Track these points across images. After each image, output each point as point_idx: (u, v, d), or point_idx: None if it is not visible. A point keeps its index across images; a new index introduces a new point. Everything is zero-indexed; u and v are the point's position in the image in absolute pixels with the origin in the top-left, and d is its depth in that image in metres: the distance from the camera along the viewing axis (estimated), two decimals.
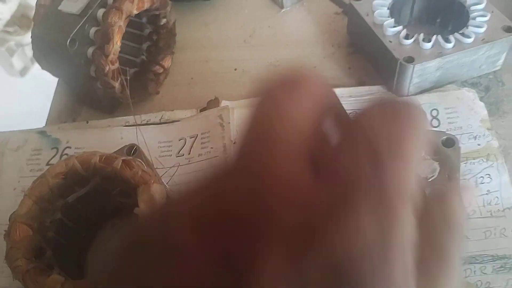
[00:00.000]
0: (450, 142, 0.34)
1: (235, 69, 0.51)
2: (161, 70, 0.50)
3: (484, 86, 0.46)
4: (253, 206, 0.14)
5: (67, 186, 0.35)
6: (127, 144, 0.40)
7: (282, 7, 0.55)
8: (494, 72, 0.46)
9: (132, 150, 0.39)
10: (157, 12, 0.47)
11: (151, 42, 0.50)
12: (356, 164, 0.14)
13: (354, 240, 0.13)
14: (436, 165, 0.33)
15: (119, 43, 0.41)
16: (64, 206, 0.35)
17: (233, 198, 0.14)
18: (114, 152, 0.38)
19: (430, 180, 0.32)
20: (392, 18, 0.44)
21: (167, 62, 0.50)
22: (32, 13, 1.25)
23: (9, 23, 1.14)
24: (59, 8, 0.42)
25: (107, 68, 0.42)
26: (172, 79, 0.51)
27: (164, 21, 0.49)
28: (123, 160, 0.33)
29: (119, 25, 0.41)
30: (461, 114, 0.42)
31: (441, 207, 0.18)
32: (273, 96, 0.17)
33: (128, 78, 0.47)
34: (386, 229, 0.13)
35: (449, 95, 0.43)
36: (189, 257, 0.14)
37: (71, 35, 0.40)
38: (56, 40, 0.41)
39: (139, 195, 0.32)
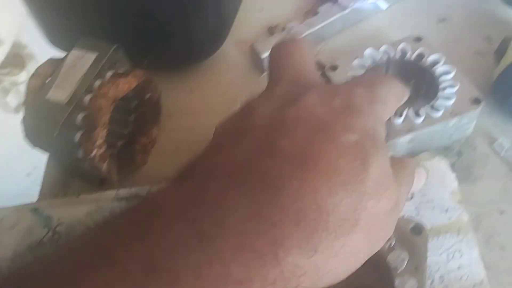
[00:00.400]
0: (418, 229, 0.36)
1: None
2: (148, 141, 0.52)
3: (457, 151, 0.48)
4: (303, 88, 0.27)
5: None
6: None
7: (262, 71, 0.57)
8: (466, 136, 0.48)
9: None
10: (142, 89, 0.49)
11: (137, 114, 0.52)
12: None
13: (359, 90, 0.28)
14: (404, 255, 0.35)
15: (105, 129, 0.43)
16: None
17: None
18: None
19: (399, 271, 0.34)
20: None
21: (153, 133, 0.52)
22: (25, 52, 1.27)
23: (3, 65, 1.16)
24: (47, 97, 0.44)
25: (94, 152, 0.44)
26: (158, 148, 0.53)
27: (148, 95, 0.51)
28: None
29: (105, 111, 0.43)
30: (432, 186, 0.44)
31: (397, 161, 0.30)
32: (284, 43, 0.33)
33: (116, 154, 0.49)
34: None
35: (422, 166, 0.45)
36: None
37: (60, 124, 0.42)
38: (45, 130, 0.43)
39: None
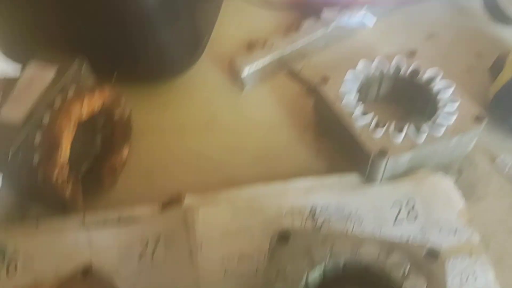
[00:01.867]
0: (433, 254, 0.32)
1: (198, 156, 0.48)
2: (118, 162, 0.46)
3: (457, 169, 0.44)
4: None
5: None
6: (82, 255, 0.36)
7: (242, 88, 0.53)
8: (466, 153, 0.45)
9: (88, 272, 0.34)
10: (110, 107, 0.44)
11: (105, 133, 0.47)
12: None
13: None
14: (421, 282, 0.30)
15: (68, 151, 0.37)
16: None
17: None
18: (67, 277, 0.34)
19: None
20: (360, 99, 0.43)
21: (124, 154, 0.47)
22: None
23: None
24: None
25: (55, 176, 0.38)
26: (129, 169, 0.47)
27: (117, 115, 0.45)
28: None
29: (67, 130, 0.37)
30: (437, 206, 0.40)
31: None
32: None
33: (80, 177, 0.43)
34: None
35: (425, 184, 0.41)
36: None
37: (14, 148, 0.36)
38: None
39: None
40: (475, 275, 0.37)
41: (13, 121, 0.37)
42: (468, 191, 0.43)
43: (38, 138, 0.37)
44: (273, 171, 0.46)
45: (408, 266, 0.31)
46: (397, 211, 0.40)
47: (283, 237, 0.34)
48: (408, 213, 0.40)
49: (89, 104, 0.39)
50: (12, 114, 0.37)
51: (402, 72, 0.45)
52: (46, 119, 0.38)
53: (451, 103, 0.42)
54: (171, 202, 0.44)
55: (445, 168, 0.44)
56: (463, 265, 0.37)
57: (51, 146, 0.37)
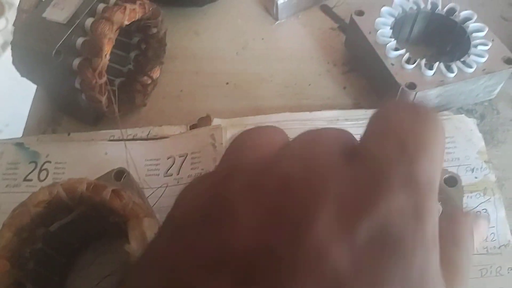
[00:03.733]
0: (452, 181, 0.33)
1: (227, 83, 0.49)
2: (149, 81, 0.48)
3: (480, 113, 0.45)
4: (307, 173, 0.16)
5: (50, 215, 0.32)
6: (111, 165, 0.38)
7: (276, 18, 0.53)
8: (490, 99, 0.46)
9: (122, 176, 0.36)
10: (148, 22, 0.44)
11: (139, 51, 0.48)
12: (385, 152, 0.16)
13: (394, 211, 0.15)
14: (438, 205, 0.32)
15: (108, 57, 0.38)
16: (46, 234, 0.33)
17: (287, 165, 0.17)
18: (101, 176, 0.36)
19: None
20: (393, 37, 0.43)
21: (155, 73, 0.48)
22: None
23: None
24: (44, 15, 0.39)
25: (94, 82, 0.39)
26: (160, 91, 0.49)
27: (154, 30, 0.46)
28: (113, 191, 0.31)
29: (109, 37, 0.38)
30: (458, 145, 0.41)
31: (450, 226, 0.21)
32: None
33: (116, 89, 0.44)
34: (418, 205, 0.16)
35: (448, 123, 0.42)
36: (243, 215, 0.16)
37: (57, 46, 0.37)
38: (40, 51, 0.38)
39: (130, 231, 0.30)
40: (487, 212, 0.38)
41: (57, 20, 0.38)
42: (488, 135, 0.44)
43: (80, 41, 0.38)
44: (300, 103, 0.47)
45: None
46: None
47: None
48: None
49: (131, 13, 0.40)
50: (56, 15, 0.38)
51: (439, 8, 0.45)
52: (88, 24, 0.39)
53: (484, 43, 0.42)
54: (200, 123, 0.45)
55: (468, 112, 0.45)
56: (476, 202, 0.39)
57: (93, 50, 0.38)
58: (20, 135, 0.46)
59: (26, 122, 0.47)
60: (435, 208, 0.16)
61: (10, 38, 0.40)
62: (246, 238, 0.15)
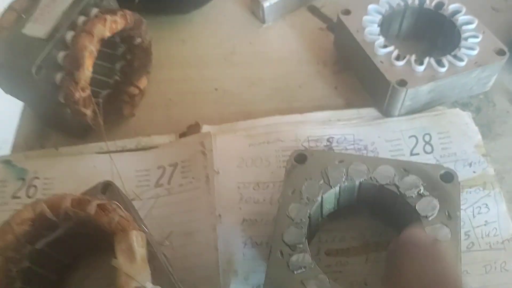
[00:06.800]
0: (448, 177, 0.32)
1: (216, 89, 0.48)
2: (137, 92, 0.47)
3: (475, 106, 0.44)
4: None
5: (35, 232, 0.31)
6: (100, 178, 0.37)
7: (263, 22, 0.52)
8: (485, 92, 0.45)
9: (107, 188, 0.35)
10: (131, 32, 0.44)
11: (125, 61, 0.47)
12: None
13: None
14: (435, 202, 0.31)
15: (90, 69, 0.38)
16: (33, 253, 0.32)
17: None
18: (87, 190, 0.35)
19: (429, 219, 0.30)
20: (381, 34, 0.42)
21: (142, 83, 0.47)
22: None
23: None
24: (23, 31, 0.38)
25: (77, 95, 0.38)
26: (148, 100, 0.48)
27: (139, 40, 0.45)
28: (98, 205, 0.30)
29: (90, 49, 0.37)
30: (454, 139, 0.40)
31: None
32: None
33: (101, 101, 0.44)
34: None
35: (442, 118, 0.41)
36: None
37: (38, 61, 0.37)
38: (21, 67, 0.37)
39: (116, 245, 0.29)
40: (487, 207, 0.37)
41: (37, 35, 0.37)
42: (486, 128, 0.43)
43: (61, 55, 0.38)
44: (291, 105, 0.46)
45: (422, 187, 0.32)
46: (414, 144, 0.41)
47: (300, 158, 0.35)
48: (424, 146, 0.40)
49: (111, 25, 0.39)
50: (37, 30, 0.37)
51: (427, 3, 0.44)
52: (69, 37, 0.38)
53: (474, 36, 0.41)
54: (189, 131, 0.44)
55: (463, 106, 0.44)
56: (476, 197, 0.38)
57: (74, 63, 0.37)
58: (8, 152, 0.46)
59: (14, 138, 0.47)
60: None
61: None
62: None
